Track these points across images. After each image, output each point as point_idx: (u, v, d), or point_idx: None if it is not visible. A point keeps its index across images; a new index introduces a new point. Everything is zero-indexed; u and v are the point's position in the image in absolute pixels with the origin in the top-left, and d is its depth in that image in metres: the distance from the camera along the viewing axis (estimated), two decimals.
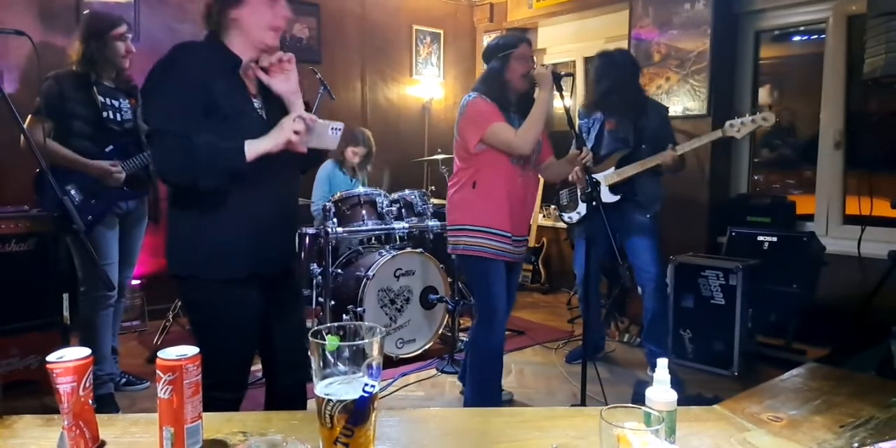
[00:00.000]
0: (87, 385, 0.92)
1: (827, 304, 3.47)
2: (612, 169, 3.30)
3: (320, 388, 0.84)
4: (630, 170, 3.23)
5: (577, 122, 3.46)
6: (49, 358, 0.91)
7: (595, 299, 3.62)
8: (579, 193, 3.49)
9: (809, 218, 4.03)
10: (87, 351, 0.93)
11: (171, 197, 1.71)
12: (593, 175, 3.35)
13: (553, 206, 5.42)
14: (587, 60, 5.48)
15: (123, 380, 3.10)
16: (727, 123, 3.03)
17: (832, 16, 3.86)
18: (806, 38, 4.26)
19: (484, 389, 2.68)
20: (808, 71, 4.14)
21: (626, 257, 3.36)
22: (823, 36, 3.95)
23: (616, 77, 3.24)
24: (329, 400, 0.83)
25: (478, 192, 2.57)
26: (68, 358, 0.91)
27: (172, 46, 1.64)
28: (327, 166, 4.31)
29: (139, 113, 2.88)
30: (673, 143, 3.15)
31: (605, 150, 3.37)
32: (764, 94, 4.44)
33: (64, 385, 0.90)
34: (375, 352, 0.85)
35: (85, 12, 3.32)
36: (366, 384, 0.83)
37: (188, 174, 1.55)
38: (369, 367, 0.84)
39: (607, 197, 3.30)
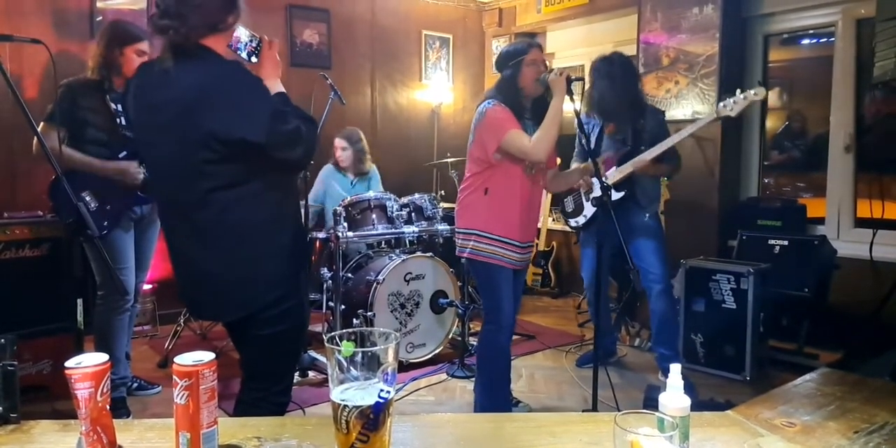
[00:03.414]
0: (105, 390, 0.93)
1: (839, 308, 3.45)
2: (614, 168, 3.30)
3: (336, 393, 0.85)
4: (628, 167, 3.23)
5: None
6: (67, 363, 0.92)
7: (605, 303, 3.61)
8: (583, 198, 3.48)
9: (820, 221, 4.00)
10: (104, 357, 0.94)
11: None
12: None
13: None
14: None
15: (135, 384, 3.12)
16: (720, 103, 3.01)
17: (841, 19, 3.85)
18: (815, 41, 4.25)
19: (493, 388, 2.69)
20: (818, 74, 4.13)
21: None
22: (833, 39, 3.94)
23: (613, 81, 3.23)
24: (345, 405, 0.84)
25: (489, 199, 2.57)
26: (87, 363, 0.92)
27: (226, 61, 1.72)
28: (327, 168, 4.33)
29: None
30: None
31: (605, 152, 3.38)
32: (773, 98, 4.42)
33: (82, 390, 0.90)
34: (390, 358, 0.86)
35: (112, 20, 3.35)
36: (381, 390, 0.84)
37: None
38: (384, 372, 0.85)
39: (612, 194, 3.30)
